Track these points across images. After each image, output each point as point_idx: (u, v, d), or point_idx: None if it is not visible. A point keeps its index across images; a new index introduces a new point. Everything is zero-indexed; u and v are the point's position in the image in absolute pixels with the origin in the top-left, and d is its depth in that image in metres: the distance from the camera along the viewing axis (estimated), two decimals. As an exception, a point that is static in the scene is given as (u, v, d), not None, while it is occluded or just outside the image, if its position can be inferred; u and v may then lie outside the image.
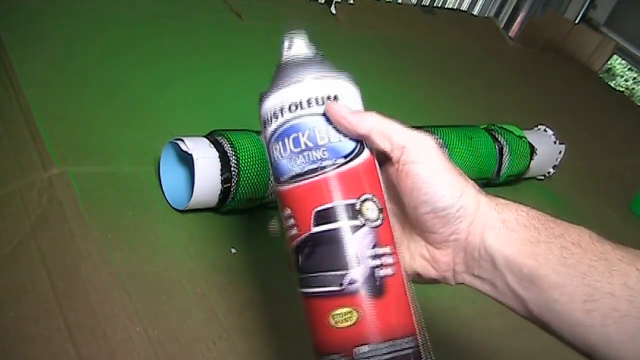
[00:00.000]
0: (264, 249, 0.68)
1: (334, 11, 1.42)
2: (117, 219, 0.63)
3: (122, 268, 0.58)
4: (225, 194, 0.65)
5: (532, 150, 0.96)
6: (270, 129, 0.39)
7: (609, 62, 2.14)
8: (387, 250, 0.38)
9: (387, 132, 0.40)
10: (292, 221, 0.38)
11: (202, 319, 0.57)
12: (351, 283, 0.36)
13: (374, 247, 0.37)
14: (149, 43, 0.99)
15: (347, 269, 0.36)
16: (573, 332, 0.36)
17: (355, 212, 0.37)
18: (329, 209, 0.37)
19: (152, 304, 0.56)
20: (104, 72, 0.86)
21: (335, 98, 0.38)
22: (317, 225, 0.37)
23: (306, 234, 0.37)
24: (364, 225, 0.37)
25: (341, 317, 0.36)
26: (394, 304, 0.37)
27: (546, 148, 1.00)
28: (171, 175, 0.69)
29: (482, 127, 0.94)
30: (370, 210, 0.38)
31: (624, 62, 2.33)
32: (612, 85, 2.11)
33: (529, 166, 0.97)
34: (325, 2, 1.52)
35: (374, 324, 0.36)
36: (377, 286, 0.36)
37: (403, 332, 0.36)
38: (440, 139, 0.85)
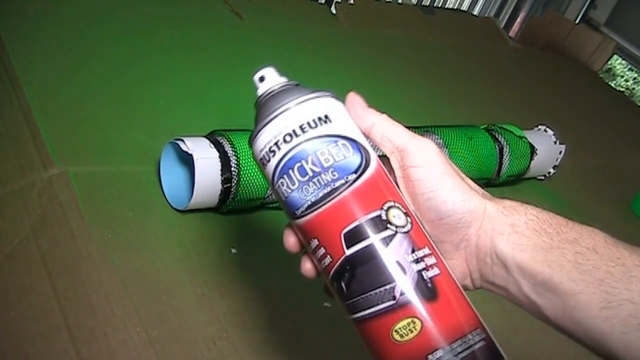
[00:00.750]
0: (264, 249, 0.68)
1: (334, 11, 1.42)
2: (117, 219, 0.63)
3: (122, 268, 0.58)
4: (225, 194, 0.65)
5: (532, 150, 0.96)
6: (271, 166, 0.38)
7: (609, 62, 2.14)
8: (426, 250, 0.37)
9: (388, 133, 0.39)
10: (322, 251, 0.37)
11: (202, 319, 0.57)
12: (403, 293, 0.35)
13: (413, 251, 0.36)
14: (149, 43, 0.99)
15: (394, 281, 0.35)
16: (592, 338, 0.35)
17: (383, 223, 0.36)
18: (356, 227, 0.36)
19: (152, 304, 0.56)
20: (104, 72, 0.86)
21: (326, 117, 0.38)
22: (349, 247, 0.36)
23: (341, 259, 0.36)
24: (396, 232, 0.36)
25: (405, 329, 0.35)
26: (452, 300, 0.36)
27: (546, 148, 1.00)
28: (171, 175, 0.69)
29: (482, 127, 0.94)
30: (397, 216, 0.37)
31: (624, 62, 2.33)
32: (612, 85, 2.11)
33: (529, 166, 0.97)
34: (325, 2, 1.52)
35: (439, 326, 0.35)
36: (430, 288, 0.35)
37: (469, 326, 0.35)
38: (440, 138, 0.85)
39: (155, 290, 0.58)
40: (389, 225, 0.36)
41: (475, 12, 2.14)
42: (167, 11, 1.13)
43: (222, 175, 0.65)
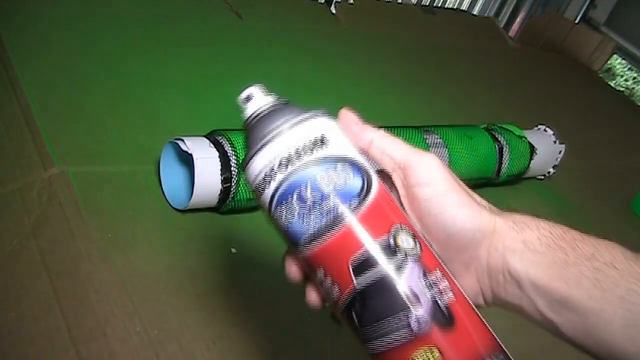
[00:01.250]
0: (264, 249, 0.68)
1: (334, 11, 1.42)
2: (117, 219, 0.63)
3: (122, 268, 0.58)
4: (225, 194, 0.65)
5: (532, 150, 0.96)
6: (267, 195, 0.36)
7: (609, 62, 2.14)
8: (438, 274, 0.35)
9: (389, 149, 0.38)
10: (329, 281, 0.35)
11: (202, 319, 0.57)
12: (419, 322, 0.33)
13: (425, 276, 0.34)
14: (149, 43, 0.99)
15: (408, 310, 0.34)
16: (615, 358, 0.34)
17: (392, 249, 0.34)
18: (364, 256, 0.34)
19: (152, 303, 0.56)
20: (104, 72, 0.86)
21: (322, 139, 0.36)
22: (358, 276, 0.34)
23: (350, 290, 0.34)
24: (406, 258, 0.34)
25: (422, 359, 0.33)
26: (468, 325, 0.34)
27: (546, 148, 1.00)
28: (171, 175, 0.69)
29: (482, 127, 0.94)
30: (405, 240, 0.35)
31: (624, 61, 2.33)
32: (612, 85, 2.11)
33: (529, 166, 0.97)
34: (325, 2, 1.52)
35: (459, 353, 0.34)
36: (446, 314, 0.34)
37: (487, 349, 0.34)
38: (440, 138, 0.85)
39: (155, 290, 0.58)
40: (398, 251, 0.34)
41: (475, 12, 2.14)
42: (167, 11, 1.13)
43: (222, 175, 0.65)
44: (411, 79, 1.30)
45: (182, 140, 0.64)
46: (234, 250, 0.66)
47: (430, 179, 0.36)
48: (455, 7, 2.12)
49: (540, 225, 0.37)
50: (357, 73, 1.20)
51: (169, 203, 0.68)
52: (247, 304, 0.61)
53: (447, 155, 0.84)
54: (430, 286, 0.34)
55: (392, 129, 0.81)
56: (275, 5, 1.34)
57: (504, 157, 0.92)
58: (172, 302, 0.58)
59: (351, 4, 1.47)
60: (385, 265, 0.34)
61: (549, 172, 1.05)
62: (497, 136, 0.92)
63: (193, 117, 0.84)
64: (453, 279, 0.36)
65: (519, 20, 2.21)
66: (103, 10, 1.04)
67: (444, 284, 0.35)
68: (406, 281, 0.34)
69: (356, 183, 0.35)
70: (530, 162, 0.97)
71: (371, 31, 1.42)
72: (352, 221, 0.35)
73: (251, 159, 0.36)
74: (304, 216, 0.35)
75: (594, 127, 1.46)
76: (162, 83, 0.89)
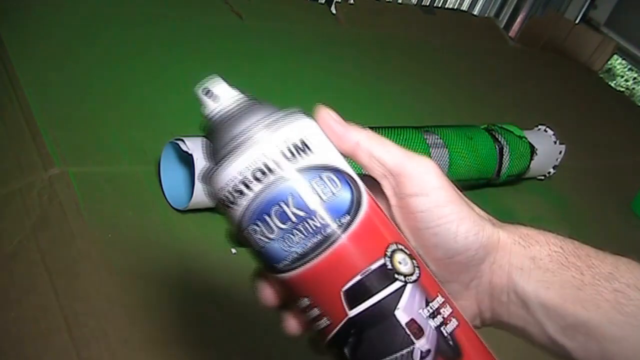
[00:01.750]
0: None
1: (334, 11, 1.42)
2: (117, 219, 0.63)
3: (122, 268, 0.58)
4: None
5: (532, 150, 0.96)
6: (238, 210, 0.30)
7: (609, 62, 2.14)
8: (439, 299, 0.31)
9: (378, 153, 0.33)
10: (315, 312, 0.31)
11: (202, 319, 0.57)
12: (424, 356, 0.30)
13: (427, 303, 0.30)
14: (149, 43, 0.99)
15: (411, 343, 0.30)
16: None
17: (389, 273, 0.30)
18: (359, 282, 0.30)
19: (152, 304, 0.56)
20: (104, 72, 0.86)
21: (304, 143, 0.31)
22: (352, 306, 0.30)
23: (343, 322, 0.30)
24: (405, 283, 0.30)
25: None
26: (476, 354, 0.31)
27: (546, 148, 1.00)
28: (171, 175, 0.69)
29: (482, 127, 0.94)
30: (403, 262, 0.31)
31: (624, 62, 2.33)
32: (612, 85, 2.11)
33: (529, 166, 0.97)
34: (325, 2, 1.52)
35: None
36: (452, 346, 0.30)
37: None
38: (440, 138, 0.85)
39: (155, 290, 0.58)
40: (396, 275, 0.30)
41: (475, 12, 2.14)
42: (167, 11, 1.13)
43: (222, 175, 0.65)
44: (411, 79, 1.30)
45: (182, 140, 0.64)
46: (234, 251, 0.66)
47: (427, 187, 0.32)
48: (455, 7, 2.11)
49: (549, 239, 0.33)
50: (357, 73, 1.20)
51: (169, 203, 0.68)
52: (248, 304, 0.61)
53: (447, 155, 0.84)
54: (433, 314, 0.30)
55: (392, 129, 0.81)
56: (275, 5, 1.34)
57: (504, 157, 0.92)
58: (172, 302, 0.58)
59: (351, 4, 1.47)
60: (383, 293, 0.30)
61: (549, 172, 1.05)
62: (497, 136, 0.92)
63: (193, 117, 0.83)
64: (453, 302, 0.32)
65: (519, 20, 2.21)
66: (103, 10, 1.04)
67: (447, 311, 0.31)
68: (407, 310, 0.30)
69: (345, 195, 0.31)
70: (530, 162, 0.97)
71: (371, 31, 1.42)
72: (344, 242, 0.30)
73: (216, 167, 0.31)
74: (284, 236, 0.30)
75: (594, 127, 1.46)
76: (162, 83, 0.89)
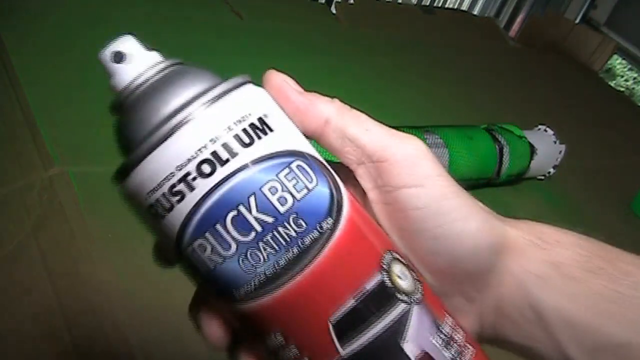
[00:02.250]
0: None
1: (334, 11, 1.42)
2: (117, 219, 0.63)
3: (122, 268, 0.58)
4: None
5: (532, 150, 0.96)
6: (175, 220, 0.22)
7: (609, 62, 2.14)
8: (449, 321, 0.24)
9: (353, 133, 0.25)
10: (293, 351, 0.23)
11: (202, 319, 0.57)
12: None
13: (438, 328, 0.24)
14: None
15: None
16: None
17: (389, 292, 0.23)
18: (352, 309, 0.22)
19: (152, 304, 0.56)
20: (105, 72, 0.86)
21: (262, 121, 0.23)
22: (345, 342, 0.22)
23: None
24: (410, 304, 0.23)
25: None
26: None
27: (546, 148, 1.00)
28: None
29: (482, 127, 0.94)
30: (403, 276, 0.24)
31: (624, 62, 2.33)
32: (612, 85, 2.11)
33: (528, 166, 0.97)
34: (325, 1, 1.52)
35: None
36: None
37: None
38: (440, 138, 0.85)
39: (155, 290, 0.58)
40: (398, 295, 0.23)
41: (475, 12, 2.14)
42: (166, 11, 1.13)
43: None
44: (411, 79, 1.30)
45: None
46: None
47: (421, 176, 0.25)
48: (455, 7, 2.12)
49: (572, 239, 0.26)
50: (357, 72, 1.20)
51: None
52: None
53: (447, 155, 0.84)
54: (448, 343, 0.24)
55: (392, 129, 0.81)
56: (275, 5, 1.34)
57: (504, 157, 0.92)
58: (172, 302, 0.58)
59: (351, 4, 1.47)
60: (385, 321, 0.23)
61: (549, 172, 1.05)
62: (497, 136, 0.92)
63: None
64: (460, 321, 0.26)
65: (519, 20, 2.21)
66: (103, 10, 1.04)
67: (459, 335, 0.24)
68: (417, 341, 0.23)
69: (322, 192, 0.23)
70: (530, 162, 0.97)
71: (371, 31, 1.42)
72: (328, 255, 0.22)
73: (139, 160, 0.23)
74: (246, 252, 0.22)
75: (594, 127, 1.46)
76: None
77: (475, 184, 0.92)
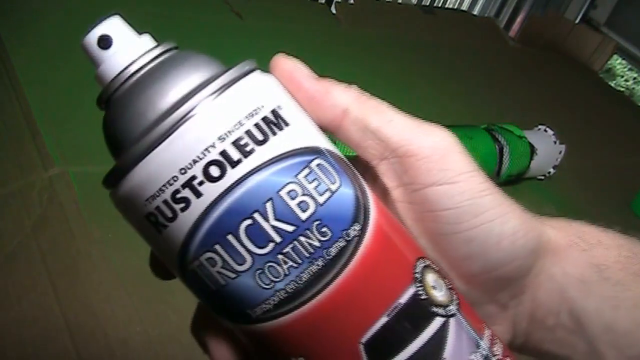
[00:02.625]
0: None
1: (334, 11, 1.42)
2: (117, 219, 0.63)
3: (122, 268, 0.58)
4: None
5: (532, 150, 0.96)
6: (179, 231, 0.20)
7: (609, 62, 2.14)
8: (488, 334, 0.22)
9: (375, 125, 0.22)
10: None
11: (202, 319, 0.57)
12: None
13: (477, 344, 0.21)
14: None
15: None
16: None
17: (424, 306, 0.20)
18: (386, 327, 0.20)
19: (152, 304, 0.56)
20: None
21: (276, 114, 0.20)
22: None
23: None
24: (446, 317, 0.21)
25: None
26: None
27: (546, 148, 1.00)
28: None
29: (482, 127, 0.94)
30: (437, 286, 0.21)
31: (624, 62, 2.33)
32: (612, 85, 2.11)
33: (528, 166, 0.97)
34: (325, 1, 1.52)
35: None
36: None
37: None
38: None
39: (155, 290, 0.58)
40: (434, 309, 0.20)
41: (475, 12, 2.14)
42: (166, 11, 1.13)
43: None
44: (411, 79, 1.30)
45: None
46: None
47: (453, 172, 0.22)
48: (455, 7, 2.11)
49: (616, 240, 0.25)
50: (357, 73, 1.20)
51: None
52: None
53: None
54: (487, 358, 0.21)
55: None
56: (275, 5, 1.34)
57: (504, 157, 0.92)
58: (172, 302, 0.58)
59: (351, 4, 1.47)
60: (422, 339, 0.20)
61: (549, 172, 1.05)
62: (497, 136, 0.92)
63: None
64: (495, 332, 0.23)
65: (519, 20, 2.21)
66: (104, 10, 1.04)
67: (499, 349, 0.22)
68: (455, 357, 0.20)
69: (346, 193, 0.20)
70: (530, 162, 0.97)
71: (371, 31, 1.42)
72: (356, 267, 0.20)
73: (134, 162, 0.20)
74: (263, 267, 0.19)
75: (594, 127, 1.46)
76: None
77: (475, 184, 0.92)
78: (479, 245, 0.22)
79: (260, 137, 0.19)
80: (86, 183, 0.64)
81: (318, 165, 0.20)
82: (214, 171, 0.19)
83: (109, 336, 0.52)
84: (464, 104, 1.27)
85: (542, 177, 1.07)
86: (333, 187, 0.20)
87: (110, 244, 0.60)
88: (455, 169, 0.22)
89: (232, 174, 0.19)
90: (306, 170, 0.20)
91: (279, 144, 0.20)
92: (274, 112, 0.20)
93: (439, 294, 0.21)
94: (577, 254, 0.24)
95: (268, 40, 1.18)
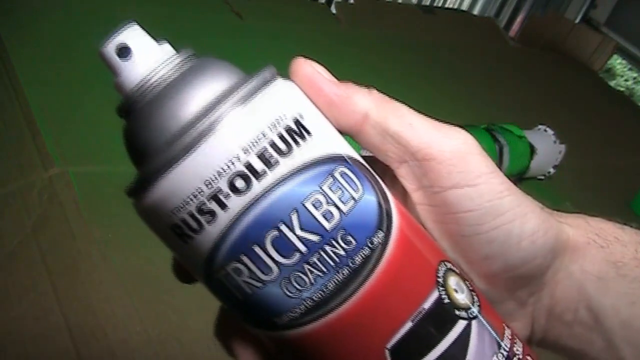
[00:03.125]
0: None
1: (334, 11, 1.42)
2: (117, 219, 0.63)
3: (122, 268, 0.58)
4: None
5: (532, 150, 0.96)
6: (205, 242, 0.20)
7: (609, 62, 2.14)
8: (508, 334, 0.22)
9: (396, 128, 0.23)
10: None
11: (202, 319, 0.57)
12: None
13: (499, 345, 0.21)
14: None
15: None
16: None
17: (448, 310, 0.21)
18: (411, 332, 0.20)
19: (152, 303, 0.56)
20: (104, 72, 0.86)
21: (299, 124, 0.20)
22: None
23: None
24: (469, 320, 0.21)
25: None
26: None
27: (546, 148, 1.00)
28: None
29: (482, 127, 0.94)
30: (459, 289, 0.21)
31: (624, 61, 2.33)
32: (612, 85, 2.11)
33: (528, 166, 0.97)
34: (325, 1, 1.52)
35: None
36: None
37: None
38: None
39: (155, 290, 0.58)
40: (457, 312, 0.21)
41: (475, 12, 2.14)
42: (166, 11, 1.13)
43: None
44: (411, 79, 1.30)
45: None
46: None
47: (473, 174, 0.22)
48: (455, 7, 2.11)
49: (633, 236, 0.24)
50: (357, 73, 1.20)
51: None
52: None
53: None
54: (509, 359, 0.21)
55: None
56: (275, 5, 1.34)
57: (504, 157, 0.92)
58: (172, 302, 0.58)
59: (351, 4, 1.47)
60: (446, 342, 0.20)
61: (549, 172, 1.05)
62: (497, 136, 0.92)
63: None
64: (515, 330, 0.24)
65: (519, 20, 2.21)
66: (103, 10, 1.04)
67: (519, 348, 0.22)
68: (478, 359, 0.21)
69: (369, 200, 0.21)
70: (530, 162, 0.97)
71: (371, 31, 1.42)
72: (381, 273, 0.20)
73: (159, 173, 0.19)
74: (290, 276, 0.20)
75: (594, 127, 1.46)
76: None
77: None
78: (500, 246, 0.22)
79: (284, 148, 0.19)
80: (86, 183, 0.65)
81: (341, 173, 0.20)
82: (239, 183, 0.19)
83: (109, 336, 0.52)
84: (464, 104, 1.27)
85: (542, 177, 1.07)
86: (356, 195, 0.20)
87: (110, 244, 0.60)
88: (474, 171, 0.22)
89: (257, 186, 0.19)
90: (330, 180, 0.20)
91: (302, 154, 0.20)
92: (296, 121, 0.20)
93: (461, 297, 0.21)
94: (594, 251, 0.24)
95: (268, 40, 1.18)
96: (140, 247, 0.61)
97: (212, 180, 0.19)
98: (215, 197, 0.19)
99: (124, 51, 0.22)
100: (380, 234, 0.20)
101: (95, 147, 0.71)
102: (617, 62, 2.37)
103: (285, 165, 0.19)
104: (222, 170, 0.19)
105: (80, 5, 1.02)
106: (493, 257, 0.23)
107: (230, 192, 0.19)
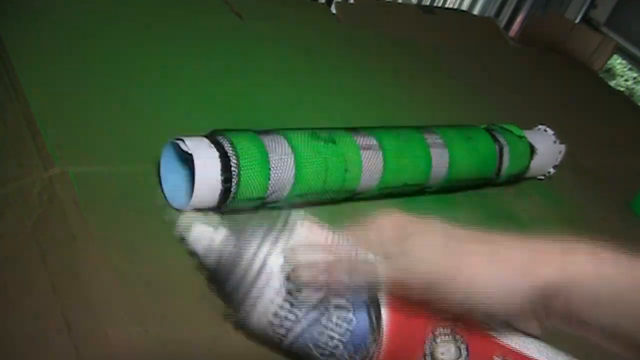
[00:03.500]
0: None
1: (334, 11, 1.42)
2: (117, 219, 0.63)
3: (122, 268, 0.58)
4: (225, 193, 0.65)
5: (532, 150, 0.96)
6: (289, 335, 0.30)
7: (609, 62, 2.14)
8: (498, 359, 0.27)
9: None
10: None
11: (202, 319, 0.57)
12: None
13: None
14: (149, 43, 0.99)
15: None
16: None
17: None
18: None
19: (152, 304, 0.56)
20: (104, 72, 0.86)
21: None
22: None
23: None
24: None
25: None
26: None
27: (546, 148, 1.00)
28: (171, 175, 0.69)
29: (482, 127, 0.94)
30: (445, 350, 0.26)
31: (624, 61, 2.33)
32: (612, 85, 2.11)
33: (528, 166, 0.97)
34: (325, 1, 1.52)
35: None
36: None
37: None
38: (440, 138, 0.85)
39: (155, 290, 0.58)
40: None
41: (475, 12, 2.14)
42: (166, 10, 1.13)
43: (222, 175, 0.65)
44: (411, 79, 1.30)
45: (182, 140, 0.64)
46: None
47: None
48: (455, 7, 2.12)
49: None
50: (357, 73, 1.20)
51: (169, 203, 0.67)
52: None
53: (447, 155, 0.84)
54: None
55: (392, 129, 0.81)
56: (275, 5, 1.34)
57: (504, 157, 0.92)
58: (172, 302, 0.58)
59: (351, 4, 1.47)
60: None
61: (549, 172, 1.05)
62: (497, 136, 0.92)
63: (193, 116, 0.83)
64: (514, 348, 0.28)
65: (519, 20, 2.21)
66: (103, 10, 1.04)
67: None
68: None
69: (361, 320, 0.26)
70: (530, 162, 0.97)
71: (371, 31, 1.42)
72: None
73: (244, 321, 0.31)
74: None
75: (594, 127, 1.46)
76: (162, 83, 0.89)
77: (475, 184, 0.92)
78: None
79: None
80: (86, 183, 0.64)
81: (334, 308, 0.27)
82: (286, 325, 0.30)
83: (109, 336, 0.52)
84: (464, 104, 1.27)
85: (542, 177, 1.07)
86: (349, 326, 0.26)
87: (110, 244, 0.60)
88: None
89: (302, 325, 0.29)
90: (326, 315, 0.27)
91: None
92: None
93: (447, 358, 0.25)
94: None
95: (268, 40, 1.18)
96: (140, 247, 0.61)
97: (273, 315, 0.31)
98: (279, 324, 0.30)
99: (185, 241, 0.31)
100: (373, 345, 0.26)
101: (95, 147, 0.71)
102: (617, 62, 2.37)
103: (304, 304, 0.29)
104: (273, 309, 0.31)
105: (80, 5, 1.02)
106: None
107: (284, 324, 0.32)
